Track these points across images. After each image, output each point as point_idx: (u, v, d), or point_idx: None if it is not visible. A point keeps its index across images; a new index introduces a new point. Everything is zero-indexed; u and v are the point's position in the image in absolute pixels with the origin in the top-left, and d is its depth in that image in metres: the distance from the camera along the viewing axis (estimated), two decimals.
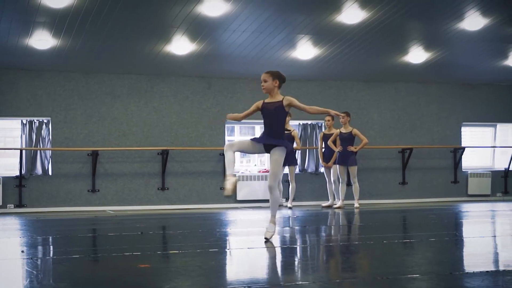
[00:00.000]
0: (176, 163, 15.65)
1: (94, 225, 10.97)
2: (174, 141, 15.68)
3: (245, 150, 8.14)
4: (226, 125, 16.17)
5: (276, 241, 7.96)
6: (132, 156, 15.41)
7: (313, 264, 6.26)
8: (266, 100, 8.00)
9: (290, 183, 14.77)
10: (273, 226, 7.84)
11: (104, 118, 15.32)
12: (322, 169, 15.69)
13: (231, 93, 16.06)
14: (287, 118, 14.47)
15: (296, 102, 8.00)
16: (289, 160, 14.38)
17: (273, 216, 7.88)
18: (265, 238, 7.73)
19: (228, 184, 7.63)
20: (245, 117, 8.33)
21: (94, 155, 15.00)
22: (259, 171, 16.36)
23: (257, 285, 4.89)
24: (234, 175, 7.73)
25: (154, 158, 15.53)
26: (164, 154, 15.40)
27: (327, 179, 15.08)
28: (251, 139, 7.99)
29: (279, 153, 7.82)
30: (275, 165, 7.82)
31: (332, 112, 8.08)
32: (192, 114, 15.90)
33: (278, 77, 7.95)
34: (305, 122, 16.54)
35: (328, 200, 15.18)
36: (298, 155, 16.35)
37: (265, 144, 7.89)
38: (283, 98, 7.94)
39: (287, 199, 15.24)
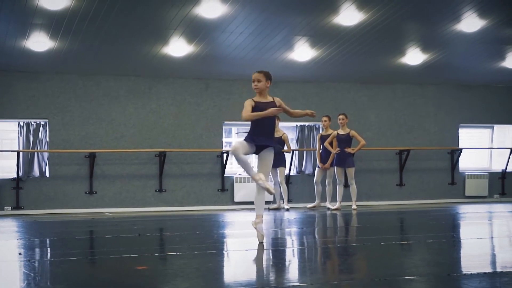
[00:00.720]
0: (173, 165, 15.65)
1: (91, 227, 10.96)
2: (171, 142, 15.67)
3: (246, 151, 8.01)
4: (223, 127, 16.17)
5: (273, 242, 7.96)
6: (129, 158, 15.40)
7: (310, 265, 6.26)
8: (256, 99, 7.94)
9: (280, 185, 14.76)
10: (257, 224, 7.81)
11: (101, 120, 15.31)
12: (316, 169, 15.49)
13: (229, 94, 16.06)
14: (276, 121, 14.57)
15: (285, 105, 8.00)
16: (279, 161, 14.39)
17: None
18: (260, 243, 7.69)
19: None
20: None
21: (92, 157, 14.98)
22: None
23: (255, 287, 4.89)
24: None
25: (152, 160, 15.52)
26: (162, 156, 15.39)
27: (315, 179, 15.05)
28: (245, 140, 7.88)
29: (271, 154, 7.84)
30: (269, 164, 7.85)
31: (308, 112, 8.00)
32: (190, 116, 15.90)
33: (270, 78, 7.95)
34: (302, 123, 16.55)
35: (314, 201, 15.24)
36: (295, 157, 16.36)
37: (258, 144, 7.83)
38: (273, 99, 7.92)
39: (273, 202, 15.21)
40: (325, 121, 14.85)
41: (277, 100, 7.91)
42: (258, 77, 7.90)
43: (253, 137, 7.77)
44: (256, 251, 7.05)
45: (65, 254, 6.83)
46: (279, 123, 14.78)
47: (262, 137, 7.79)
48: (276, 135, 14.44)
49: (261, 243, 7.54)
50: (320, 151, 14.93)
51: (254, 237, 7.79)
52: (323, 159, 14.85)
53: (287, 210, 14.46)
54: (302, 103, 16.45)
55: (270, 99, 7.92)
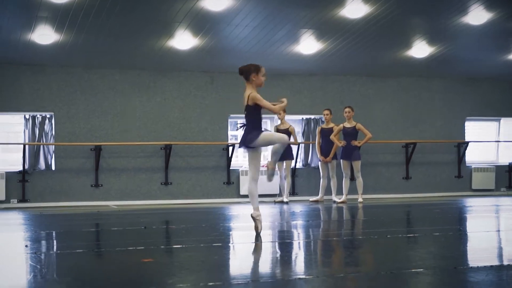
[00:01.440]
0: (179, 158, 15.65)
1: (97, 219, 10.98)
2: (177, 136, 15.67)
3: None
4: (229, 120, 16.16)
5: (279, 235, 7.97)
6: (135, 151, 15.41)
7: (316, 258, 6.26)
8: None
9: (285, 178, 14.75)
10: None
11: (107, 113, 15.32)
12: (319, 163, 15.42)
13: (234, 87, 16.02)
14: (282, 113, 14.58)
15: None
16: (286, 155, 14.40)
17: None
18: (257, 234, 7.71)
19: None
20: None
21: (97, 150, 15.00)
22: (262, 166, 16.33)
23: (261, 280, 4.90)
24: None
25: (157, 153, 15.53)
26: (167, 149, 15.40)
27: (321, 174, 15.04)
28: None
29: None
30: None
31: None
32: (195, 109, 15.89)
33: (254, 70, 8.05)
34: (308, 116, 16.53)
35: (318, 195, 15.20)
36: (301, 150, 16.34)
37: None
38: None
39: (279, 195, 15.21)
40: (327, 114, 14.87)
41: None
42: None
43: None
44: (262, 244, 7.06)
45: (71, 246, 6.85)
46: (285, 115, 14.79)
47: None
48: (283, 127, 14.50)
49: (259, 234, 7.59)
50: (320, 144, 14.93)
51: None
52: (324, 152, 14.84)
53: (286, 203, 14.43)
54: (307, 96, 16.45)
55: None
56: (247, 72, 7.97)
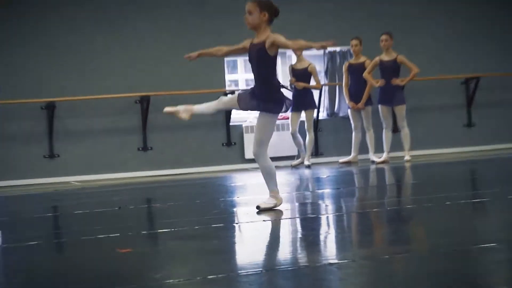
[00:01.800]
0: (160, 114, 15.53)
1: (54, 201, 11.04)
2: (156, 84, 15.61)
3: (234, 107, 8.32)
4: (225, 59, 16.09)
5: (300, 209, 7.99)
6: (100, 107, 15.39)
7: (351, 237, 6.28)
8: (254, 40, 7.98)
9: (307, 133, 14.67)
10: (273, 200, 7.85)
11: (61, 60, 15.25)
12: (348, 112, 15.34)
13: (232, 15, 15.88)
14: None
15: (279, 39, 7.73)
16: (306, 103, 14.34)
17: (271, 190, 7.95)
18: (257, 207, 7.75)
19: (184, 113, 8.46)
20: (227, 54, 8.44)
21: (50, 108, 14.99)
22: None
23: (278, 268, 4.91)
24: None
25: (131, 108, 15.51)
26: (144, 102, 15.36)
27: (353, 125, 14.96)
28: (238, 95, 8.09)
29: (266, 119, 7.88)
30: (260, 131, 7.95)
31: (316, 45, 7.82)
32: (180, 47, 15.82)
33: (267, 8, 7.82)
34: (331, 49, 16.42)
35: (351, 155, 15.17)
36: (325, 95, 16.28)
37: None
38: (267, 37, 7.79)
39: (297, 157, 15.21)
40: (356, 45, 14.72)
41: (269, 38, 7.77)
42: (250, 7, 7.84)
43: (243, 93, 8.12)
44: (276, 222, 7.08)
45: (22, 238, 6.89)
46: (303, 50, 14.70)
47: (253, 94, 7.95)
48: (300, 66, 14.40)
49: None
50: (348, 85, 14.84)
51: None
52: (354, 96, 14.74)
53: (308, 167, 14.42)
54: (329, 22, 16.30)
55: (263, 38, 7.84)
56: None
